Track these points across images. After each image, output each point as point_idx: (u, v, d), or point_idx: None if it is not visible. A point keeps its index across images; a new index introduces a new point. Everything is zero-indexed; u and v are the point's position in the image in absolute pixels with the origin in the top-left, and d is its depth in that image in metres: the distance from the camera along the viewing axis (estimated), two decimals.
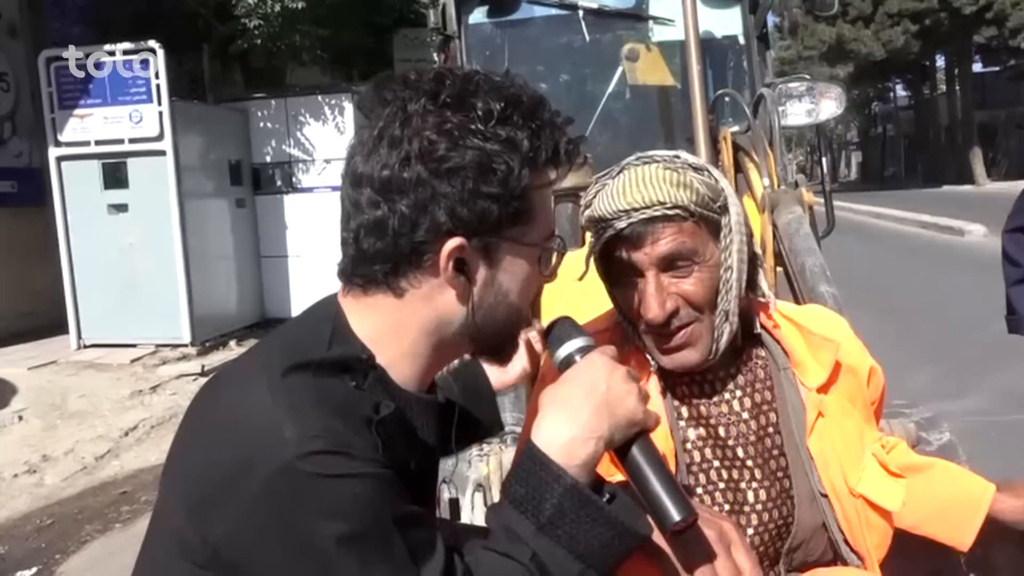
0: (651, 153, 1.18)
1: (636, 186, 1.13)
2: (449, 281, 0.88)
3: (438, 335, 0.91)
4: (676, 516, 0.88)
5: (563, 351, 0.98)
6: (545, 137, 0.88)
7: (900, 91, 44.37)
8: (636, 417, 0.90)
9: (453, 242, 0.85)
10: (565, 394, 0.89)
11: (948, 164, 32.83)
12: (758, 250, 1.23)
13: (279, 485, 0.76)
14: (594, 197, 1.18)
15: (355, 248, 0.89)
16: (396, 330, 0.90)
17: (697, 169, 1.16)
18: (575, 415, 0.87)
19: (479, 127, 0.84)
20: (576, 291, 1.53)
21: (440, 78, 0.88)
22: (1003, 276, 2.16)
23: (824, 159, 3.65)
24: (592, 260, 1.23)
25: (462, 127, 0.84)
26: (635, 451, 0.91)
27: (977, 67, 34.70)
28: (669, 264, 1.13)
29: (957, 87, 33.53)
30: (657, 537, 0.94)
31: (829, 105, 3.00)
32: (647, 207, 1.11)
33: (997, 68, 34.17)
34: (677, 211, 1.11)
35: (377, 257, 0.88)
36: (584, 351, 0.96)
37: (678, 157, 1.17)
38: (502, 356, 1.01)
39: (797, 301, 2.23)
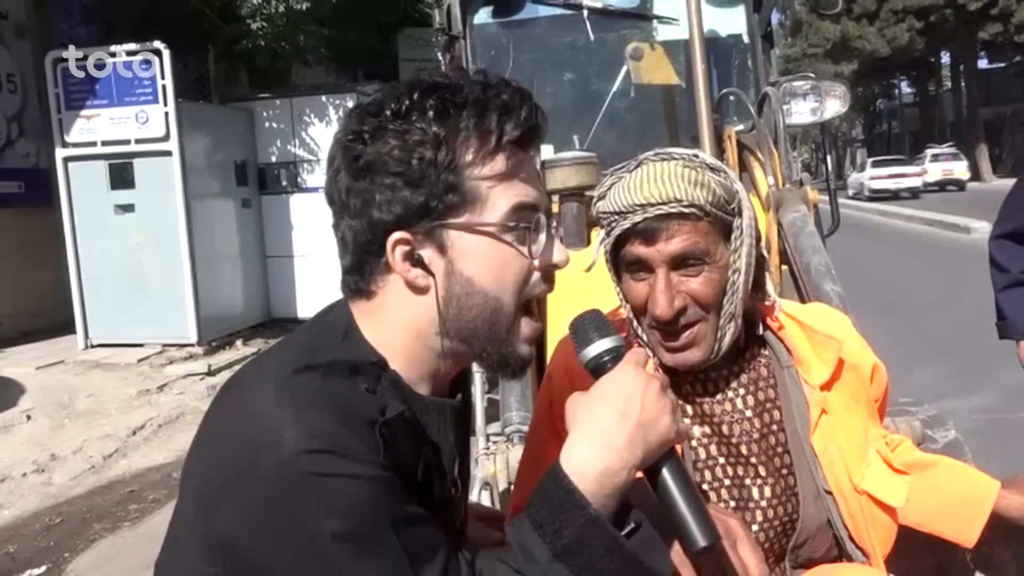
0: (669, 150, 1.18)
1: (653, 181, 1.13)
2: (405, 275, 0.89)
3: (426, 335, 0.91)
4: (702, 543, 0.88)
5: (592, 351, 0.94)
6: (480, 126, 0.87)
7: (905, 88, 44.26)
8: (669, 437, 0.88)
9: (394, 236, 0.88)
10: (599, 415, 0.86)
11: None
12: (765, 252, 1.23)
13: (277, 481, 0.78)
14: (608, 189, 1.18)
15: (341, 263, 0.94)
16: (388, 334, 0.91)
17: (715, 169, 1.16)
18: (609, 443, 0.84)
19: (390, 125, 0.87)
20: (582, 289, 1.54)
21: (381, 92, 0.92)
22: (992, 282, 2.18)
23: (829, 157, 3.64)
24: (601, 252, 1.23)
25: (377, 128, 0.88)
26: (665, 473, 0.90)
27: (983, 63, 34.58)
28: (680, 262, 1.13)
29: (962, 84, 33.42)
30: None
31: (833, 103, 3.01)
32: (663, 203, 1.11)
33: (1003, 64, 34.06)
34: (693, 210, 1.11)
35: (349, 269, 0.92)
36: (614, 354, 0.93)
37: (696, 156, 1.17)
38: (505, 365, 0.95)
39: (802, 299, 2.23)
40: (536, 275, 0.93)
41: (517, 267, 0.91)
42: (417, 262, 0.88)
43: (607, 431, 0.85)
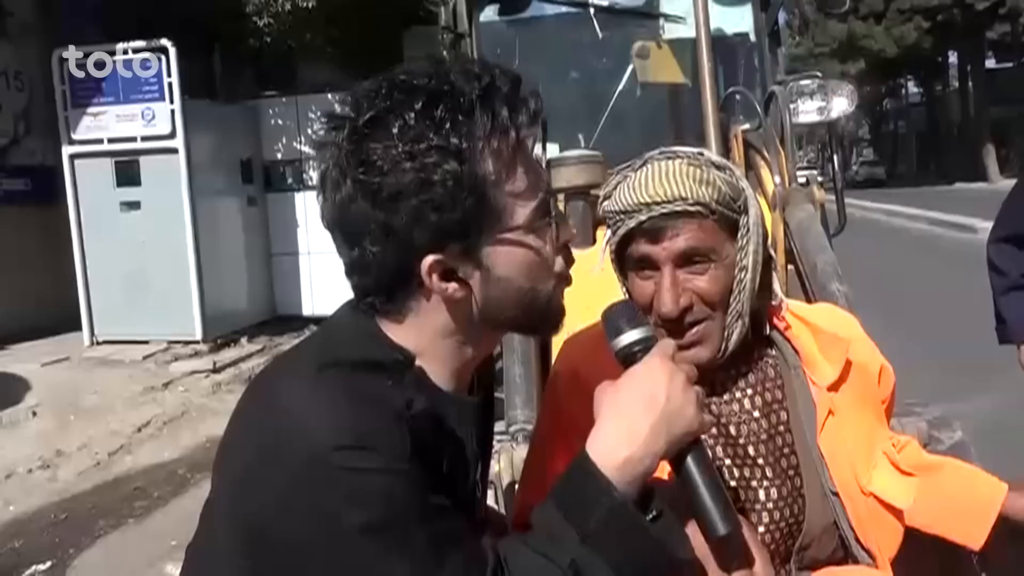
0: (675, 148, 1.18)
1: (658, 180, 1.13)
2: (442, 293, 0.89)
3: (459, 335, 0.93)
4: (722, 530, 0.91)
5: (622, 341, 0.96)
6: (493, 132, 0.86)
7: (912, 88, 44.30)
8: (693, 428, 0.90)
9: (427, 260, 0.86)
10: (625, 404, 0.89)
11: (960, 161, 32.63)
12: (772, 251, 1.23)
13: (308, 474, 0.81)
14: (614, 189, 1.18)
15: (352, 282, 0.92)
16: (415, 337, 0.92)
17: (720, 167, 1.16)
18: (633, 431, 0.87)
19: (401, 147, 0.83)
20: (587, 290, 1.54)
21: (357, 103, 0.87)
22: (990, 286, 2.18)
23: (835, 156, 3.64)
24: (607, 252, 1.23)
25: (386, 152, 0.84)
26: (689, 461, 0.92)
27: (990, 63, 34.46)
28: (686, 260, 1.13)
29: (970, 83, 33.31)
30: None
31: (840, 102, 3.00)
32: (668, 202, 1.11)
33: (1010, 64, 33.93)
34: (698, 208, 1.11)
35: (369, 291, 0.91)
36: (644, 345, 0.95)
37: (702, 154, 1.17)
38: (543, 331, 1.01)
39: (808, 299, 2.23)
40: (559, 257, 0.95)
41: (545, 256, 0.93)
42: (452, 278, 0.88)
43: (632, 420, 0.87)
